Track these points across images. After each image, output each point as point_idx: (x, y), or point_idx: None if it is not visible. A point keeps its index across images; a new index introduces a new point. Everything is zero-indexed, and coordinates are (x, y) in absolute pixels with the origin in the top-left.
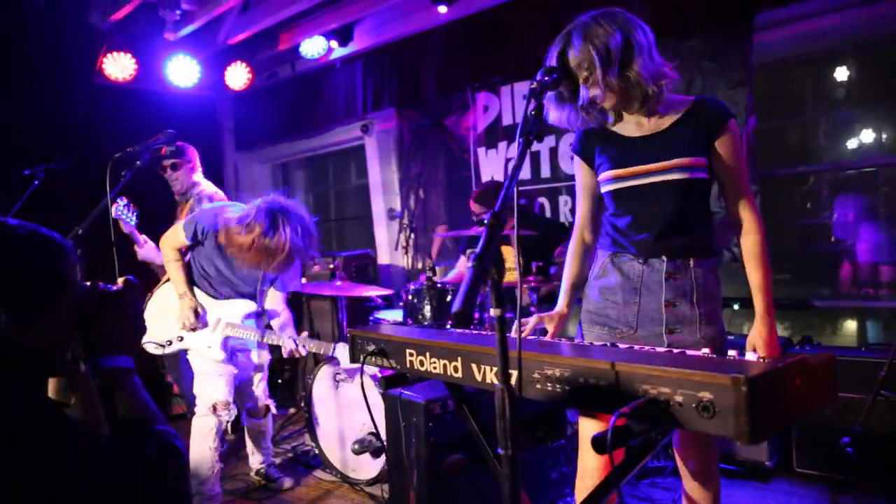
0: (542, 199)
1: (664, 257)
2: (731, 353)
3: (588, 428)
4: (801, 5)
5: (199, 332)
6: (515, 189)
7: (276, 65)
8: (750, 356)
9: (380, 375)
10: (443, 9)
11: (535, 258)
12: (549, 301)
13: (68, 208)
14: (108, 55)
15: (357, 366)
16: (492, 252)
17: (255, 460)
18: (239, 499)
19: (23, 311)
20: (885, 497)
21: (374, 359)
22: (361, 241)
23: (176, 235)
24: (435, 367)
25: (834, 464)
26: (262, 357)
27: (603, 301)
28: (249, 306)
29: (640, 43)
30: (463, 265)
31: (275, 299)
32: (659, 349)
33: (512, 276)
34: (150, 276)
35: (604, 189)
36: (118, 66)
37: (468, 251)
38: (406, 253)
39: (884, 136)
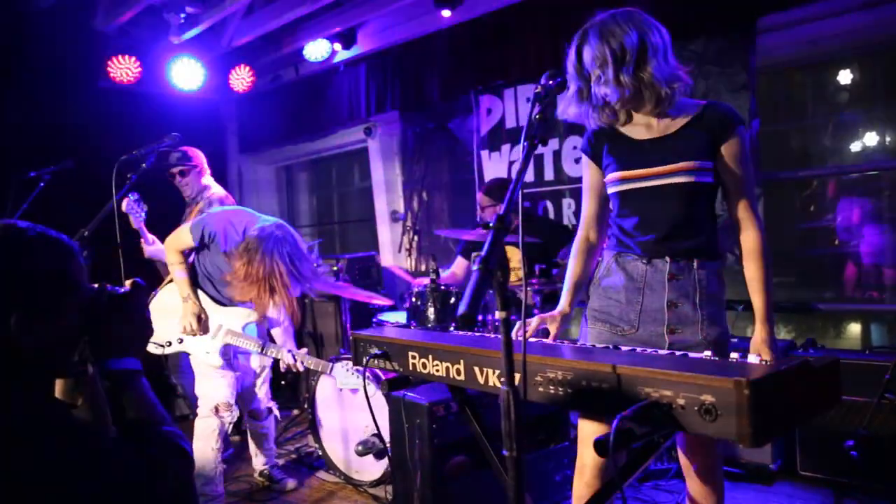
0: (546, 202)
1: (668, 258)
2: (734, 355)
3: (587, 428)
4: (804, 9)
5: (199, 336)
6: (520, 192)
7: (280, 68)
8: (753, 358)
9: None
10: (446, 13)
11: (538, 260)
12: (552, 303)
13: (73, 210)
14: (113, 58)
15: (353, 387)
16: (497, 255)
17: (259, 461)
18: (242, 500)
19: (31, 313)
20: (889, 500)
21: (376, 361)
22: (364, 244)
23: (181, 237)
24: (437, 370)
25: (838, 467)
26: (263, 361)
27: (606, 299)
28: (251, 315)
29: (656, 44)
30: (458, 266)
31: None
32: (661, 352)
33: (515, 277)
34: (154, 276)
35: (611, 190)
36: (123, 69)
37: (473, 254)
38: (409, 255)
39: (887, 139)
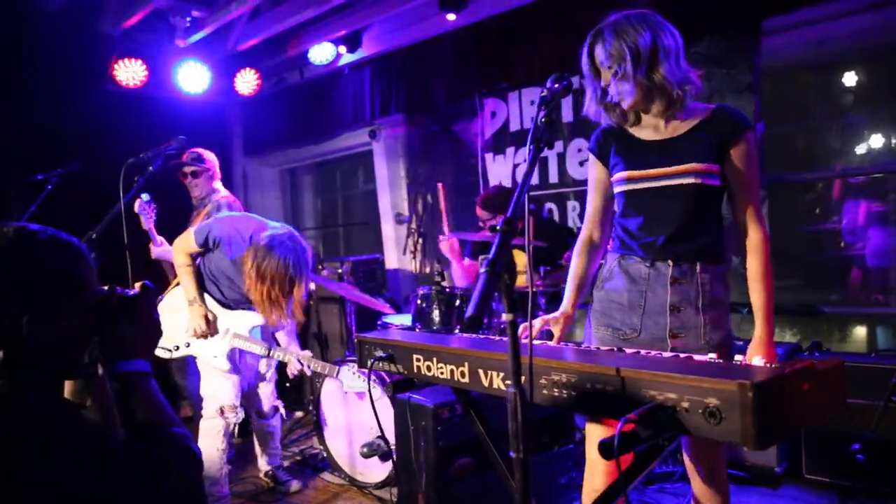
0: (551, 205)
1: (670, 262)
2: (738, 358)
3: (595, 432)
4: (809, 10)
5: (206, 340)
6: (526, 196)
7: (285, 71)
8: (757, 361)
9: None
10: (451, 16)
11: (543, 263)
12: (556, 304)
13: (80, 212)
14: (119, 61)
15: (359, 390)
16: (504, 258)
17: (264, 462)
18: (248, 501)
19: (42, 314)
20: None
21: (381, 364)
22: (369, 246)
23: (187, 241)
24: (442, 373)
25: (844, 470)
26: (269, 361)
27: (609, 302)
28: (257, 319)
29: (668, 47)
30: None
31: None
32: (666, 354)
33: (521, 279)
34: (161, 279)
35: (616, 189)
36: (129, 73)
37: (481, 257)
38: (414, 257)
39: (893, 141)
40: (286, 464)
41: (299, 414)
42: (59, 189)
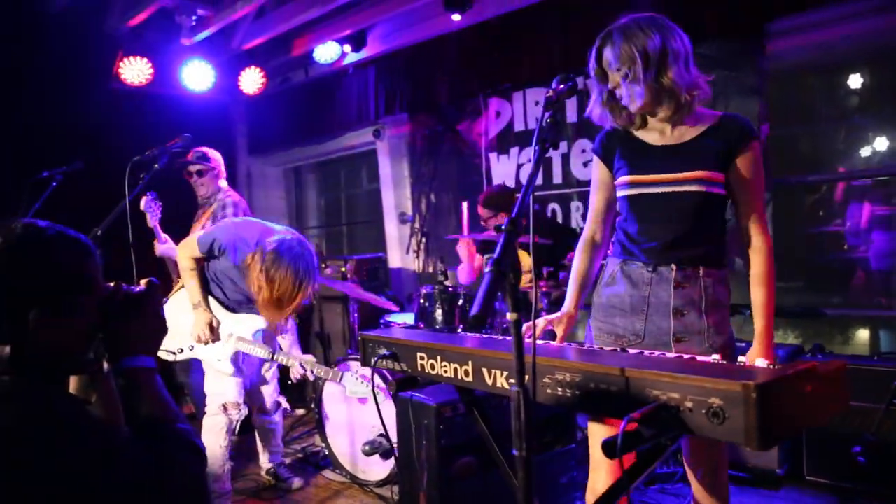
0: (554, 205)
1: (673, 266)
2: (742, 359)
3: (598, 431)
4: (815, 13)
5: (210, 344)
6: (531, 196)
7: (290, 70)
8: (760, 362)
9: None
10: (457, 16)
11: (546, 263)
12: (559, 306)
13: (85, 210)
14: (125, 60)
15: (363, 396)
16: (509, 257)
17: (265, 459)
18: (249, 498)
19: (49, 310)
20: None
21: (385, 362)
22: (372, 245)
23: (192, 247)
24: (446, 371)
25: (845, 472)
26: (271, 363)
27: (610, 308)
28: (260, 322)
29: (678, 50)
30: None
31: None
32: (669, 354)
33: (524, 280)
34: (165, 277)
35: (620, 193)
36: (134, 71)
37: (486, 256)
38: (417, 256)
39: None
40: (288, 461)
41: (301, 411)
42: (63, 186)
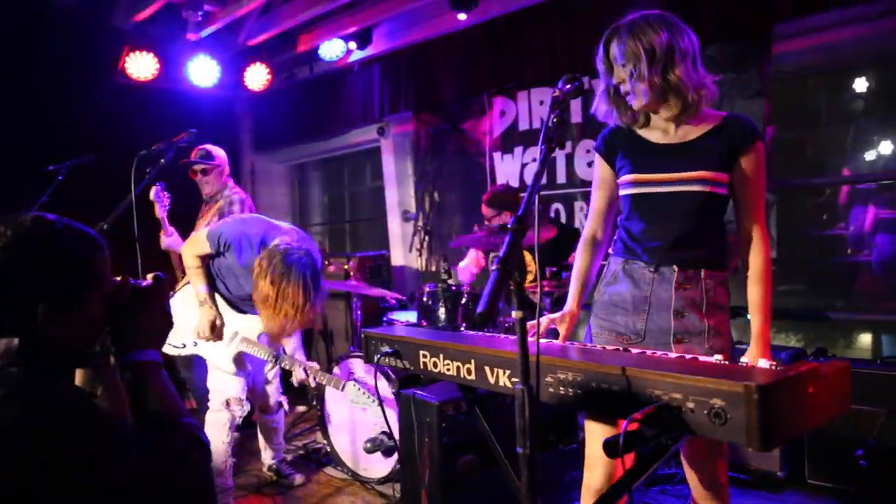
0: (558, 205)
1: (675, 267)
2: (743, 359)
3: (595, 429)
4: (819, 16)
5: (214, 342)
6: (537, 196)
7: (295, 66)
8: (763, 363)
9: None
10: (462, 15)
11: (548, 263)
12: (560, 305)
13: (91, 204)
14: (131, 54)
15: (364, 405)
16: (515, 256)
17: (267, 456)
18: (251, 494)
19: (57, 303)
20: None
21: (387, 360)
22: (375, 243)
23: (199, 244)
24: (448, 369)
25: (847, 476)
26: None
27: (611, 307)
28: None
29: (685, 49)
30: (472, 260)
31: None
32: (671, 355)
33: (527, 279)
34: (170, 271)
35: (622, 192)
36: (140, 66)
37: (491, 255)
38: (420, 255)
39: None
40: (289, 458)
41: (303, 408)
42: (69, 180)
